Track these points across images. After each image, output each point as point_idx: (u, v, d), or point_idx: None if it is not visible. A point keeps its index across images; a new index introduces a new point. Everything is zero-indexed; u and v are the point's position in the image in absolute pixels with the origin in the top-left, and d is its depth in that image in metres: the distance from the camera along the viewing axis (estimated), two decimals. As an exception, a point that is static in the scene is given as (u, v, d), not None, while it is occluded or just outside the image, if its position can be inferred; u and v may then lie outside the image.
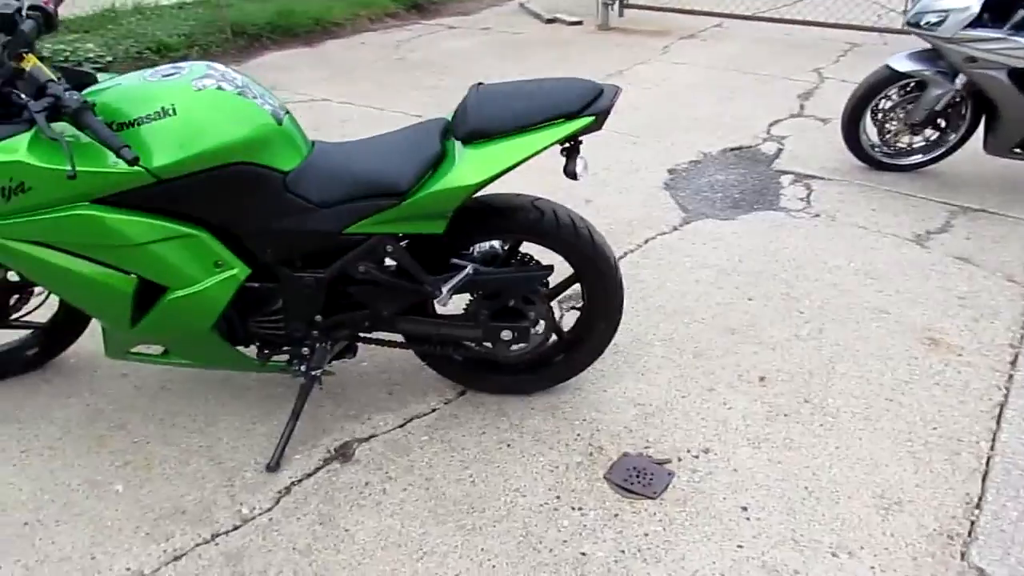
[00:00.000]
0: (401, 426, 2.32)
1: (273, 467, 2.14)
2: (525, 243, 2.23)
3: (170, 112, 1.86)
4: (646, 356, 2.62)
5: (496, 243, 2.24)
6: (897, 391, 2.45)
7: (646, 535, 1.95)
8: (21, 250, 1.95)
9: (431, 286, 2.09)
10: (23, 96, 1.80)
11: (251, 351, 2.25)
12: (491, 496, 2.07)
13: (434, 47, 6.81)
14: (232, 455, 2.19)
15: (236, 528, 1.97)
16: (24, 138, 1.83)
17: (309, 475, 2.14)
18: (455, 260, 2.20)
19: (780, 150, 4.40)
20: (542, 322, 2.24)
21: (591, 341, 2.34)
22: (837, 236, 3.41)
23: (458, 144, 1.98)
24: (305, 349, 2.20)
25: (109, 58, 5.73)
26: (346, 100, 5.25)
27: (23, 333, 2.44)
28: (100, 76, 2.05)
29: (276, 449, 2.17)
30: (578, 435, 2.28)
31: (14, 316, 2.39)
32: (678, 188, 3.93)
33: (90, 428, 2.29)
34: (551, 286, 2.31)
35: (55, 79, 1.80)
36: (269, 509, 2.03)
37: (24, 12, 1.93)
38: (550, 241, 2.16)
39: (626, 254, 3.27)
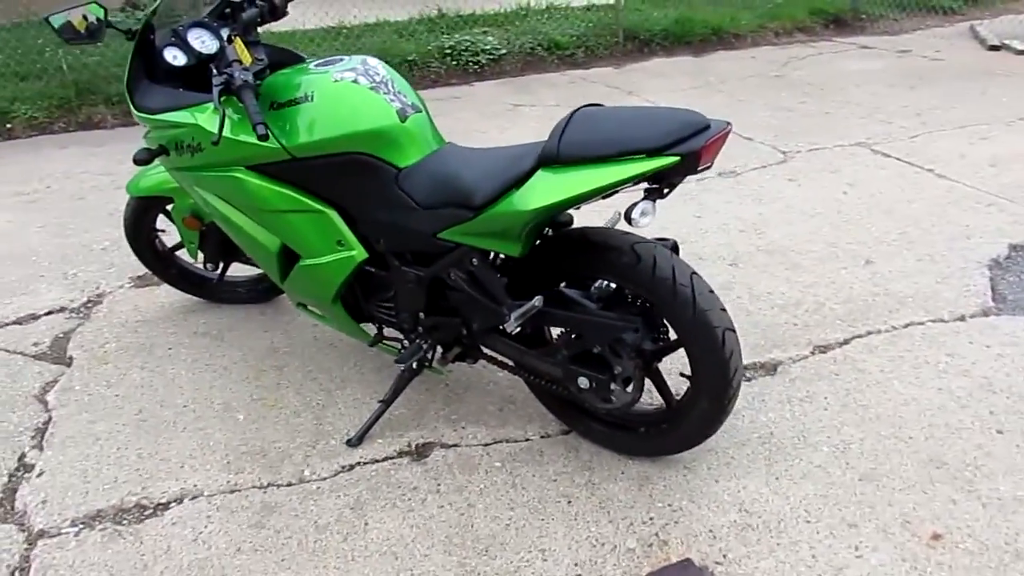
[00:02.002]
0: (486, 445, 2.25)
1: (354, 443, 2.25)
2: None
3: (310, 98, 2.03)
4: (799, 459, 2.14)
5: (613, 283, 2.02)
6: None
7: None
8: (210, 201, 2.32)
9: (507, 308, 1.98)
10: (215, 71, 2.12)
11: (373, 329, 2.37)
12: (513, 547, 1.91)
13: (826, 67, 6.20)
14: (336, 421, 2.35)
15: (289, 485, 2.12)
16: (208, 107, 2.16)
17: (377, 461, 2.20)
18: (566, 290, 2.05)
19: None
20: (629, 379, 1.97)
21: (693, 419, 1.99)
22: None
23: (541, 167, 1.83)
24: (408, 342, 2.25)
25: (503, 51, 6.34)
26: (686, 112, 5.08)
27: (258, 270, 2.87)
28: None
29: (362, 427, 2.26)
30: (651, 518, 1.98)
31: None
32: (1008, 271, 3.07)
33: (260, 361, 2.64)
34: (661, 345, 2.01)
35: (240, 60, 2.07)
36: (324, 479, 2.14)
37: (249, 2, 2.24)
38: (644, 292, 1.89)
39: (867, 335, 2.67)
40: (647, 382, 2.04)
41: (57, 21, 2.13)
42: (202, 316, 2.92)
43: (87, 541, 1.95)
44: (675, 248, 2.04)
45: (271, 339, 2.76)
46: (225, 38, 2.19)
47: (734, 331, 1.89)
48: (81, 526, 2.00)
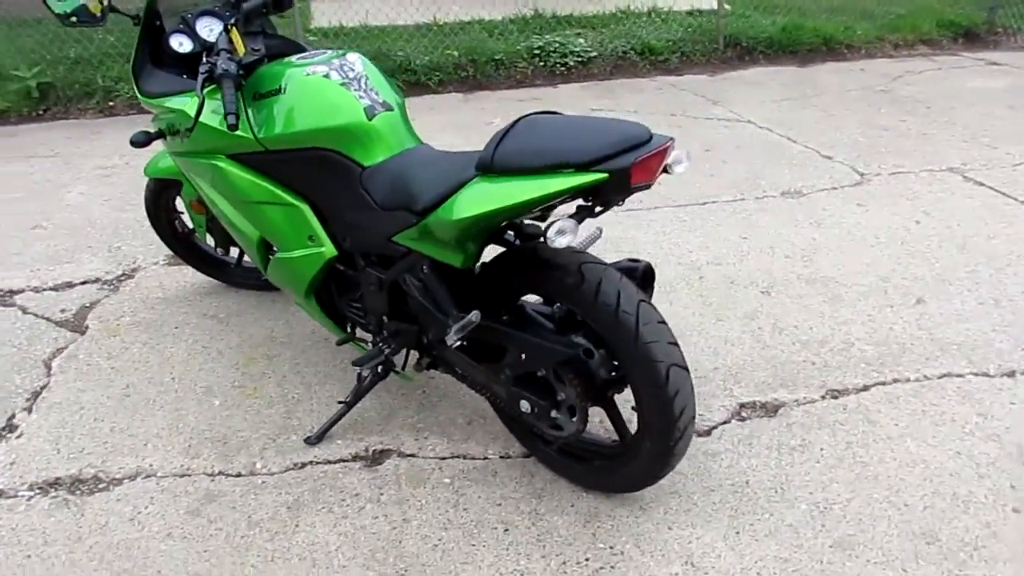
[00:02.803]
0: (442, 458, 2.17)
1: (312, 441, 2.22)
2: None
3: (283, 91, 2.02)
4: (769, 514, 1.95)
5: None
6: None
7: None
8: (201, 187, 2.35)
9: (452, 320, 1.88)
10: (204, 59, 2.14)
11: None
12: (434, 570, 1.83)
13: (941, 84, 5.71)
14: (305, 417, 2.33)
15: (238, 476, 2.12)
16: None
17: (329, 462, 2.16)
18: (526, 307, 1.95)
19: None
20: (572, 408, 1.84)
21: (640, 458, 1.84)
22: None
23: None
24: (372, 344, 2.21)
25: (593, 54, 6.21)
26: (768, 126, 4.80)
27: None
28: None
29: (323, 426, 2.24)
30: (587, 559, 1.84)
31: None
32: (1085, 326, 2.69)
33: (253, 349, 2.67)
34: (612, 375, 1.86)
35: (230, 50, 2.08)
36: (272, 474, 2.12)
37: None
38: (587, 317, 1.75)
39: (892, 382, 2.41)
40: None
41: (61, 5, 2.20)
42: (216, 299, 2.97)
43: (36, 507, 2.02)
44: (646, 273, 1.89)
45: (272, 327, 2.78)
46: (222, 27, 2.20)
47: (683, 368, 1.72)
48: (37, 492, 2.07)
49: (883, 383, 2.41)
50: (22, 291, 3.07)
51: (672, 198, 3.74)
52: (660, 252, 3.23)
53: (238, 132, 2.06)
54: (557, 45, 6.18)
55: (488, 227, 1.71)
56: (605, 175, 1.50)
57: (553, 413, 1.85)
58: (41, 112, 5.31)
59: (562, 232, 1.57)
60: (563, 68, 6.11)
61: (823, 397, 2.36)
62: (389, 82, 2.14)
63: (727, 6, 6.89)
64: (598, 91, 5.73)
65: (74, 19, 2.24)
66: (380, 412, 2.34)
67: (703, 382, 2.44)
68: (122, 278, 3.16)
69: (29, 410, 2.38)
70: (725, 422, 2.27)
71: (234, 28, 2.16)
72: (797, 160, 4.22)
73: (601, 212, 1.69)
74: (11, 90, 5.26)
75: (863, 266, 3.09)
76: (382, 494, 2.05)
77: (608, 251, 3.24)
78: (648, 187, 1.60)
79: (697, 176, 4.00)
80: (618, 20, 6.83)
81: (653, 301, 1.79)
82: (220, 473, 2.12)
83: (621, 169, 1.50)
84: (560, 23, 6.75)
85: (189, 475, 2.12)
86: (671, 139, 1.58)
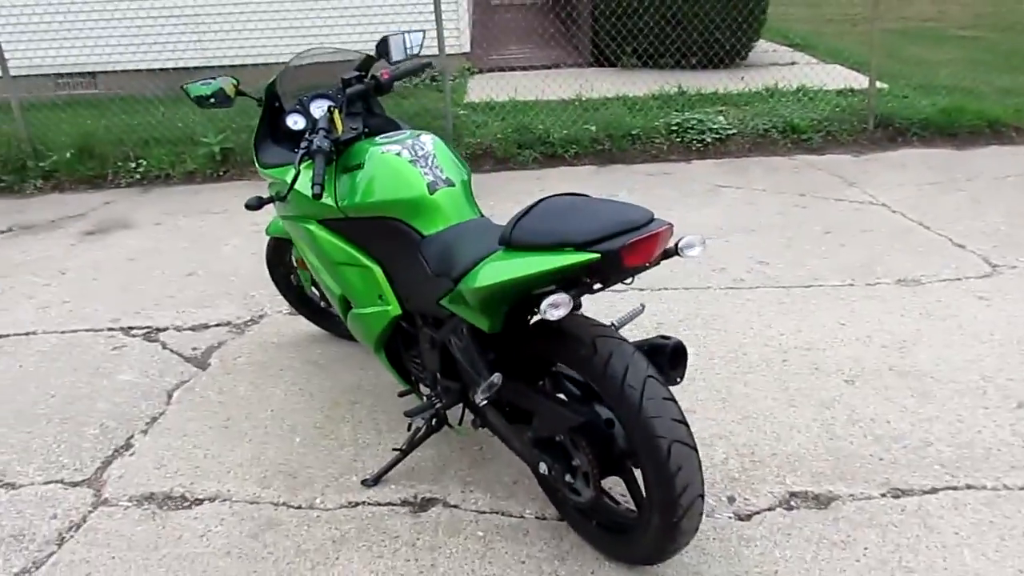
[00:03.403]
0: (481, 512, 2.29)
1: (369, 483, 2.42)
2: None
3: (363, 166, 2.29)
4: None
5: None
6: None
7: None
8: (300, 246, 2.67)
9: (483, 381, 2.02)
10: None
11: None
12: (446, 616, 1.94)
13: (1118, 172, 5.23)
14: (370, 461, 2.53)
15: (299, 508, 2.34)
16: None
17: (379, 504, 2.34)
18: (559, 372, 2.06)
19: None
20: (586, 474, 1.91)
21: (648, 532, 1.87)
22: None
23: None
24: (426, 397, 2.38)
25: (732, 131, 6.23)
26: (902, 210, 4.61)
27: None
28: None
29: (380, 470, 2.43)
30: (592, 628, 1.89)
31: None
32: None
33: (341, 394, 2.93)
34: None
35: (327, 128, 2.38)
36: (328, 509, 2.33)
37: (357, 79, 2.56)
38: (599, 388, 1.83)
39: (965, 488, 2.27)
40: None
41: (197, 90, 2.59)
42: (320, 346, 3.28)
43: (129, 516, 2.33)
44: (675, 351, 1.95)
45: (361, 376, 3.04)
46: (326, 108, 2.51)
47: (688, 446, 1.75)
48: (133, 503, 2.39)
49: (954, 487, 2.27)
50: (166, 329, 3.53)
51: (777, 279, 3.69)
52: (749, 332, 3.21)
53: (325, 200, 2.34)
54: (695, 122, 6.25)
55: (506, 296, 1.85)
56: (597, 255, 1.61)
57: (567, 477, 1.92)
58: (221, 174, 6.05)
59: (555, 305, 1.68)
60: (700, 144, 6.17)
61: (883, 495, 2.26)
62: (457, 160, 2.35)
63: (883, 85, 6.69)
64: (730, 168, 5.73)
65: (212, 101, 2.63)
66: (436, 463, 2.50)
67: (757, 466, 2.40)
68: (249, 323, 3.55)
69: (145, 432, 2.75)
70: (769, 509, 2.23)
71: (336, 110, 2.46)
72: (924, 247, 4.02)
73: (600, 289, 1.78)
74: (200, 154, 6.04)
75: (965, 363, 2.91)
76: (419, 539, 2.19)
77: (696, 327, 3.26)
78: (645, 269, 1.68)
79: (809, 258, 3.92)
80: (763, 99, 6.80)
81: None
82: (284, 504, 2.35)
83: (612, 251, 1.60)
84: (703, 100, 6.82)
85: (257, 503, 2.36)
86: (668, 224, 1.66)
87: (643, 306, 2.32)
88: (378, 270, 2.34)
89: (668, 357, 1.97)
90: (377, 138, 2.38)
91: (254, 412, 2.84)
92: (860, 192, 5.00)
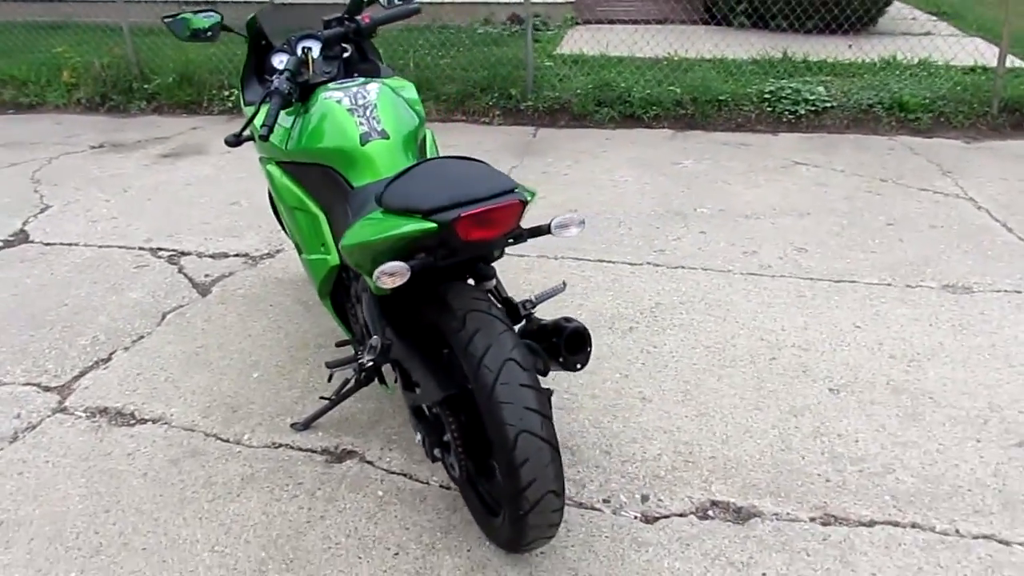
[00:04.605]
0: (390, 472, 2.28)
1: (298, 427, 2.45)
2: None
3: (308, 111, 2.27)
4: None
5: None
6: None
7: None
8: (269, 187, 2.69)
9: (373, 340, 1.98)
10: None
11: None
12: (314, 570, 1.96)
13: None
14: (311, 407, 2.56)
15: (225, 441, 2.42)
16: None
17: (300, 449, 2.37)
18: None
19: None
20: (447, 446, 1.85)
21: (504, 521, 1.79)
22: None
23: None
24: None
25: (830, 104, 5.77)
26: (989, 208, 4.13)
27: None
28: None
29: (309, 416, 2.46)
30: (443, 605, 1.85)
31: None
32: None
33: (315, 338, 2.97)
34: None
35: (295, 72, 2.36)
36: (252, 446, 2.39)
37: (338, 21, 2.53)
38: (462, 363, 1.75)
39: (911, 527, 2.04)
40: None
41: (198, 22, 2.57)
42: (315, 288, 3.32)
43: (76, 426, 2.48)
44: (573, 336, 1.84)
45: (340, 322, 3.06)
46: (300, 49, 2.49)
47: (541, 439, 1.65)
48: (86, 414, 2.54)
49: (895, 523, 2.04)
50: (189, 254, 3.69)
51: (808, 270, 3.41)
52: (749, 324, 2.99)
53: (274, 142, 2.33)
54: (790, 91, 5.81)
55: (368, 258, 1.76)
56: (434, 225, 1.51)
57: (436, 452, 1.86)
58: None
59: (389, 274, 1.61)
60: (791, 116, 5.74)
61: (811, 519, 2.07)
62: (405, 112, 2.26)
63: (1017, 61, 5.96)
64: (816, 144, 5.30)
65: (209, 34, 2.60)
66: (371, 417, 2.50)
67: (689, 467, 2.25)
68: (264, 257, 3.65)
69: (127, 349, 2.90)
70: (680, 515, 2.09)
71: (309, 52, 2.44)
72: (994, 252, 3.59)
73: (449, 262, 1.68)
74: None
75: (977, 387, 2.59)
76: (320, 489, 2.20)
77: (694, 311, 3.08)
78: (493, 244, 1.57)
79: (854, 250, 3.59)
80: (877, 70, 6.22)
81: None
82: (214, 435, 2.43)
83: (446, 222, 1.50)
84: (808, 68, 6.32)
85: (192, 430, 2.45)
86: (516, 200, 1.53)
87: (564, 284, 2.20)
88: (322, 217, 2.32)
89: (565, 341, 1.86)
90: (331, 83, 2.34)
91: (228, 343, 2.93)
92: (951, 183, 4.50)
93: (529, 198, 1.71)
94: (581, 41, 7.03)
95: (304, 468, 2.28)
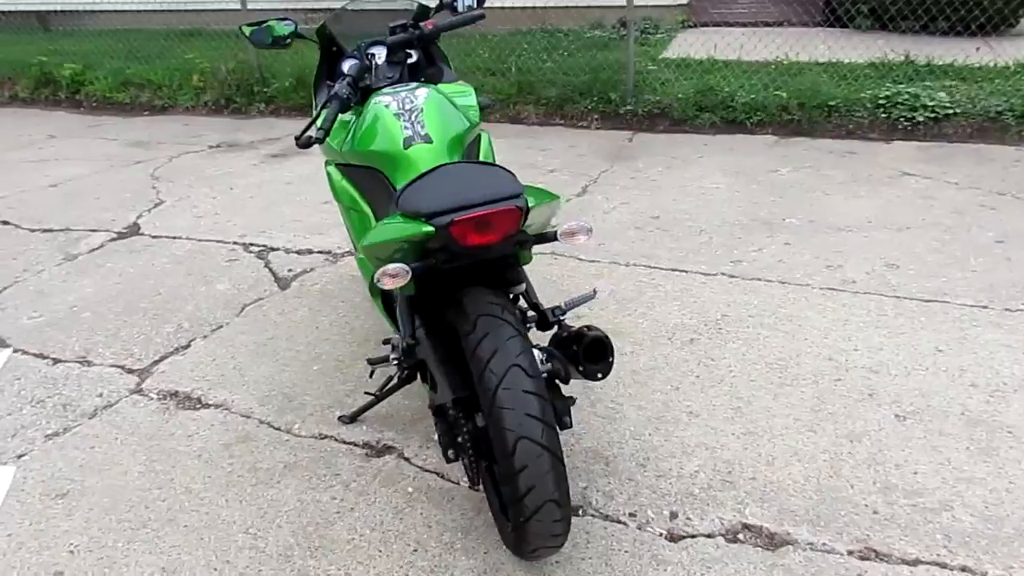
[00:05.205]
0: (423, 470, 2.31)
1: (345, 420, 2.54)
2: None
3: (361, 115, 2.35)
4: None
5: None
6: None
7: None
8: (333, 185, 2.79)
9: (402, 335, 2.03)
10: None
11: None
12: (338, 558, 2.03)
13: None
14: (362, 400, 2.65)
15: (276, 429, 2.52)
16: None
17: (344, 442, 2.45)
18: None
19: None
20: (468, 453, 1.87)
21: (511, 528, 1.79)
22: None
23: None
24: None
25: (952, 111, 5.40)
26: (1120, 225, 3.74)
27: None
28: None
29: (356, 410, 2.54)
30: (451, 606, 1.88)
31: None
32: None
33: (378, 335, 3.05)
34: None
35: (358, 77, 2.45)
36: (299, 436, 2.49)
37: (402, 28, 2.60)
38: (471, 367, 1.77)
39: (935, 565, 1.89)
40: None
41: (280, 29, 2.70)
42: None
43: (148, 407, 2.66)
44: (592, 346, 1.82)
45: (403, 320, 3.14)
46: (366, 55, 2.58)
47: (541, 446, 1.64)
48: (158, 396, 2.72)
49: (943, 565, 1.89)
50: (277, 249, 3.88)
51: (895, 287, 3.20)
52: (820, 341, 2.84)
53: (332, 145, 2.43)
54: (908, 96, 5.47)
55: (383, 259, 1.79)
56: (431, 229, 1.53)
57: (451, 452, 1.88)
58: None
59: (390, 275, 1.63)
60: (907, 123, 5.40)
61: (848, 552, 1.94)
62: (455, 117, 2.29)
63: None
64: (932, 154, 4.97)
65: (288, 42, 2.72)
66: (414, 415, 2.55)
67: (725, 487, 2.17)
68: (346, 254, 3.79)
69: (206, 337, 3.08)
70: (708, 535, 2.02)
71: (373, 58, 2.53)
72: (1118, 275, 3.25)
73: (450, 265, 1.68)
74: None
75: (1067, 422, 2.36)
76: (354, 481, 2.27)
77: (761, 326, 2.96)
78: (494, 250, 1.57)
79: (952, 269, 3.34)
80: (1010, 74, 5.75)
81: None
82: (267, 423, 2.55)
83: (442, 226, 1.51)
84: (932, 72, 5.92)
85: (248, 417, 2.58)
86: (514, 206, 1.52)
87: (595, 291, 2.16)
88: (372, 218, 2.39)
89: (584, 349, 1.84)
90: (386, 88, 2.40)
91: (296, 335, 3.06)
92: (1080, 198, 4.11)
93: (532, 204, 1.70)
94: (690, 45, 6.88)
95: (343, 460, 2.36)
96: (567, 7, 8.02)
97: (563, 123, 6.11)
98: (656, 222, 4.01)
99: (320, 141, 2.23)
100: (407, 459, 2.35)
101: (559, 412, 1.91)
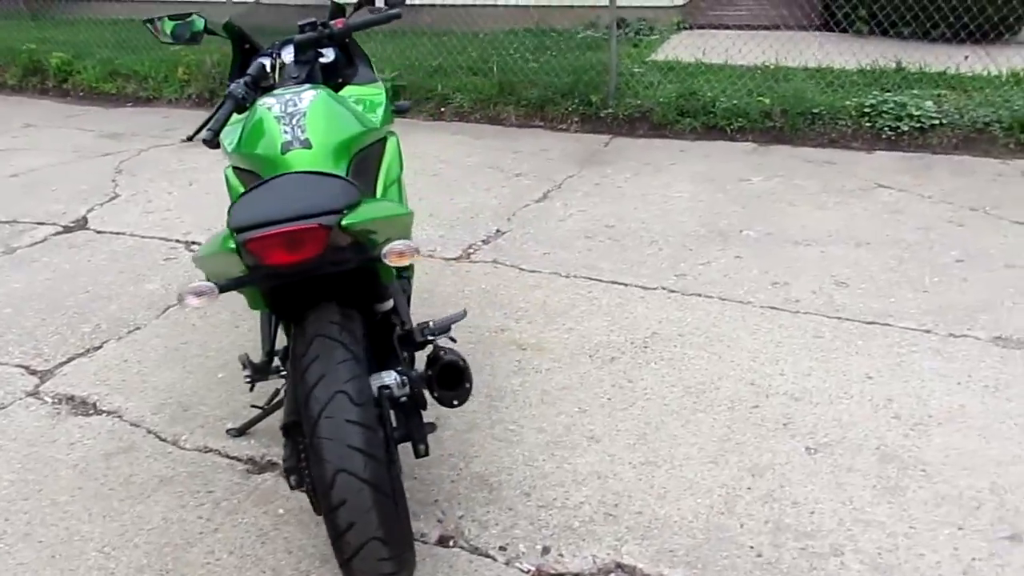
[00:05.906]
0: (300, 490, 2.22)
1: (232, 434, 2.45)
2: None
3: (249, 116, 2.25)
4: None
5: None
6: None
7: None
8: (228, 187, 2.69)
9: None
10: None
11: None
12: (181, 582, 1.93)
13: None
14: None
15: (163, 440, 2.45)
16: (229, 109, 2.51)
17: (227, 456, 2.37)
18: None
19: None
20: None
21: (339, 564, 1.68)
22: None
23: None
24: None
25: (938, 121, 5.20)
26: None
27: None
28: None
29: (245, 423, 2.45)
30: (288, 641, 1.77)
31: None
32: None
33: (291, 341, 2.96)
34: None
35: (254, 77, 2.36)
36: (184, 448, 2.41)
37: (311, 26, 2.50)
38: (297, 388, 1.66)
39: (823, 622, 1.75)
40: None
41: (198, 25, 2.62)
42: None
43: (38, 411, 2.60)
44: (447, 369, 1.71)
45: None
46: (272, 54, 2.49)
47: (362, 480, 1.53)
48: (52, 400, 2.65)
49: (817, 618, 1.75)
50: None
51: (839, 308, 3.05)
52: (746, 364, 2.70)
53: (225, 146, 2.33)
54: (893, 105, 5.28)
55: (215, 274, 1.69)
56: (232, 247, 1.43)
57: (293, 479, 1.78)
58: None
59: (195, 293, 1.53)
60: (892, 132, 5.21)
61: (719, 599, 1.81)
62: (341, 120, 2.18)
63: None
64: (911, 165, 4.78)
65: (205, 37, 2.65)
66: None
67: (607, 521, 2.05)
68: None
69: (120, 339, 3.01)
70: (576, 574, 1.89)
71: (278, 57, 2.43)
72: (1079, 301, 3.07)
73: (251, 284, 1.58)
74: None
75: (987, 464, 2.20)
76: (226, 500, 2.18)
77: (689, 346, 2.83)
78: (303, 269, 1.46)
79: (903, 289, 3.18)
80: (1000, 84, 5.53)
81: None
82: (154, 433, 2.47)
83: (240, 243, 1.41)
84: (923, 80, 5.71)
85: (138, 426, 2.50)
86: (322, 224, 1.41)
87: (465, 311, 2.04)
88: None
89: (438, 374, 1.72)
90: (275, 90, 2.30)
91: (210, 341, 2.97)
92: (1057, 217, 3.91)
93: (346, 224, 1.58)
94: (681, 47, 6.72)
95: (222, 476, 2.27)
96: (562, 6, 7.87)
97: (543, 125, 5.97)
98: (609, 231, 3.88)
99: (207, 142, 2.13)
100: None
101: (414, 440, 1.80)
